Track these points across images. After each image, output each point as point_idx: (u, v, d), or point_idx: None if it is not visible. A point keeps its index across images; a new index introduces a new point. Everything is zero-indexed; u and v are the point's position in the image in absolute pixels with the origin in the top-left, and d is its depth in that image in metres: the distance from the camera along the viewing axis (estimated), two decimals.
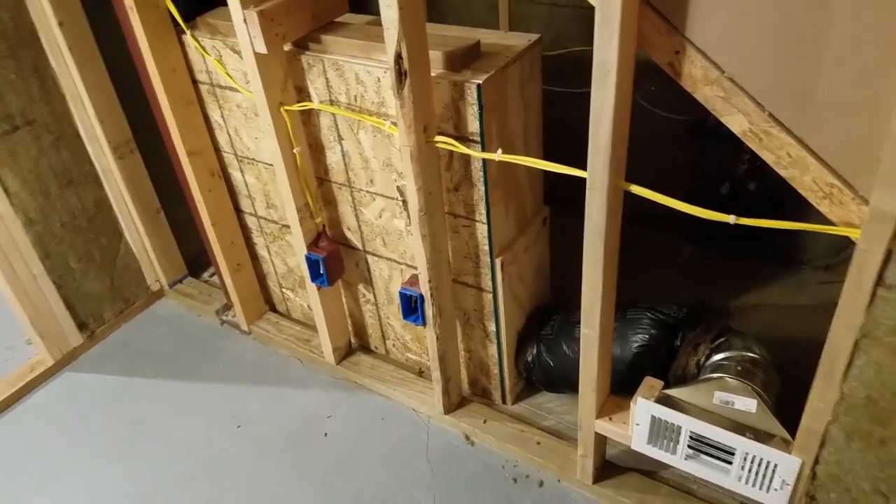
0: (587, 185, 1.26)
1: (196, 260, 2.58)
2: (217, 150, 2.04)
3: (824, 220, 1.10)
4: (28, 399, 2.21)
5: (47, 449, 2.05)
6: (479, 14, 2.47)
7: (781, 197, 1.86)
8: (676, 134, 2.31)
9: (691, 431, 1.35)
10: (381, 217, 1.81)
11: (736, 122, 1.12)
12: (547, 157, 1.43)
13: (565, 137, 1.64)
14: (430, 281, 1.66)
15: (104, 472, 1.96)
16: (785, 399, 1.42)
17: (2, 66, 1.92)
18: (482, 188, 1.57)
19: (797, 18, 1.00)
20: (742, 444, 1.29)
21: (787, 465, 1.24)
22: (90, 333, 2.36)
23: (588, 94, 1.16)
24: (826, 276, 2.24)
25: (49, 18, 1.95)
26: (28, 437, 2.09)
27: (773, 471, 1.27)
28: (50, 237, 2.16)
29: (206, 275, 2.62)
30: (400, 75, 1.36)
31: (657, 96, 2.26)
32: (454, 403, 1.95)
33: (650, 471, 1.70)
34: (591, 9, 1.08)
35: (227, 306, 2.42)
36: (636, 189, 1.25)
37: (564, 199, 1.76)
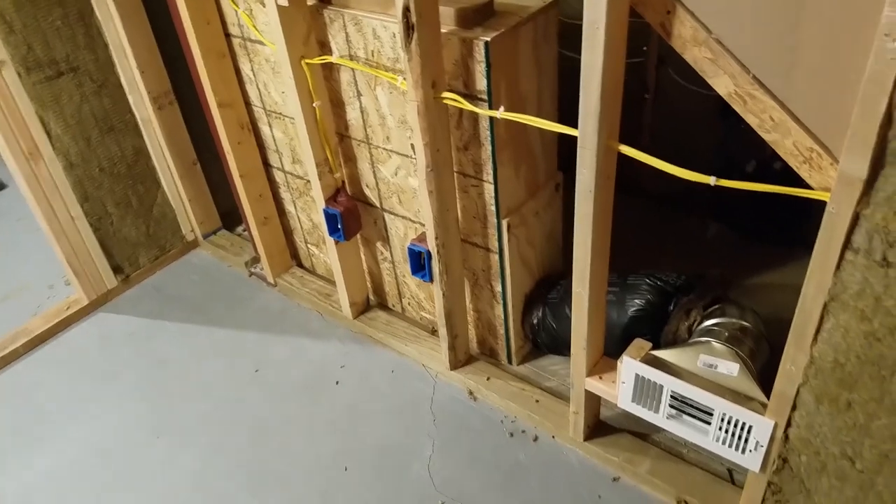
0: (578, 144, 1.27)
1: (230, 214, 2.67)
2: (247, 103, 2.11)
3: None
4: (63, 335, 2.35)
5: (76, 382, 2.17)
6: None
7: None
8: (712, 110, 2.28)
9: (672, 391, 1.37)
10: (396, 175, 1.85)
11: (722, 84, 1.12)
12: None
13: None
14: (436, 238, 1.70)
15: (126, 406, 2.08)
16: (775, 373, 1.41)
17: (48, 13, 2.02)
18: (490, 148, 1.59)
19: None
20: (719, 405, 1.31)
21: (761, 426, 1.25)
22: (125, 277, 2.48)
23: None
24: None
25: None
26: (60, 371, 2.22)
27: (749, 432, 1.28)
28: (89, 181, 2.27)
29: (239, 229, 2.72)
30: (408, 28, 1.39)
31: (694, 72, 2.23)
32: (461, 361, 1.99)
33: (643, 433, 1.72)
34: None
35: (256, 259, 2.51)
36: (625, 149, 1.26)
37: None
